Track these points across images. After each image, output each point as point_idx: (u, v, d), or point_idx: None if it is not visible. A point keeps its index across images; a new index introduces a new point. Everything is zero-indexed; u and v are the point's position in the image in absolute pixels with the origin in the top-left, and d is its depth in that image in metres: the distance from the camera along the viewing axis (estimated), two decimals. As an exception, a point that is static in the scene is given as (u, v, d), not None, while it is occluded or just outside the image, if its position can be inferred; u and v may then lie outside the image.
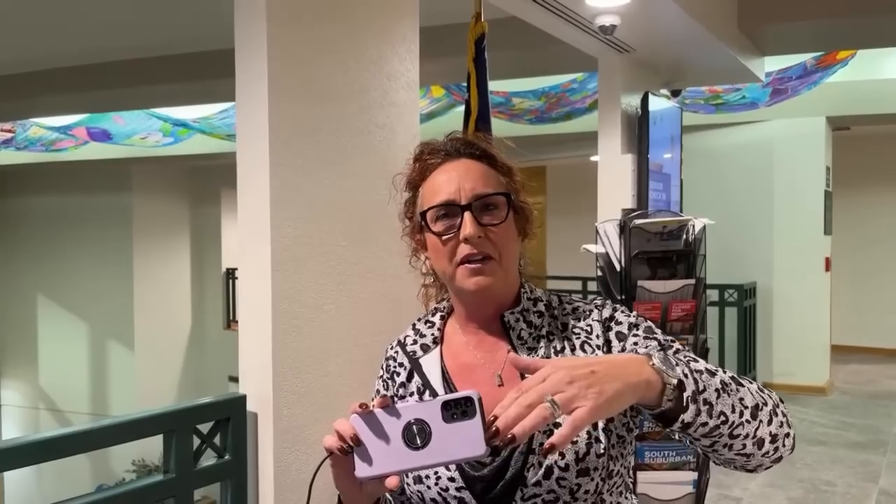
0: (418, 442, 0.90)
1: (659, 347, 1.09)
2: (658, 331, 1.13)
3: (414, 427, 0.90)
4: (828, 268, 7.43)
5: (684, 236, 3.42)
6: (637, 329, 1.12)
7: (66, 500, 1.58)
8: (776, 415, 1.01)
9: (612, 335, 1.12)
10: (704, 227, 3.48)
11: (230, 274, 10.50)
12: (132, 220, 10.47)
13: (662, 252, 3.42)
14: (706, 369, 0.98)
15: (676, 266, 3.43)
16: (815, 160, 7.27)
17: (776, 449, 1.01)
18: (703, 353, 3.56)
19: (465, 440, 0.89)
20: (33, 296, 11.29)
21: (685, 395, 0.92)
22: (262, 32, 1.88)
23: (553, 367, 0.86)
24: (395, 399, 1.16)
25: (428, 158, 1.15)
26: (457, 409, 0.89)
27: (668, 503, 3.06)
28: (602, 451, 1.05)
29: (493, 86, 4.21)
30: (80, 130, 7.90)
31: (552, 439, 0.83)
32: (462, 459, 0.93)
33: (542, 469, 1.04)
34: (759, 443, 0.99)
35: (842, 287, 8.56)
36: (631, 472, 1.14)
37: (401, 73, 2.28)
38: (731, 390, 0.97)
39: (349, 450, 0.92)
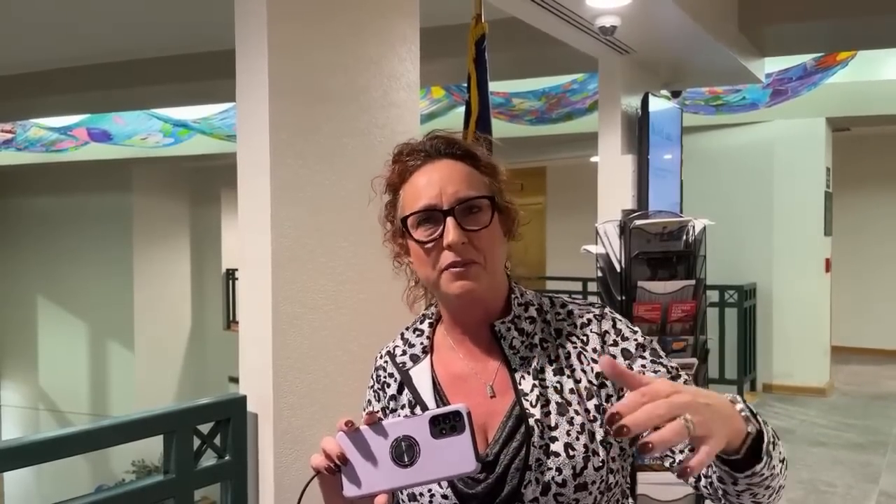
0: (406, 459, 0.88)
1: (668, 376, 1.06)
2: (663, 355, 1.10)
3: (402, 444, 0.89)
4: (828, 269, 7.43)
5: (684, 237, 3.42)
6: (644, 351, 1.08)
7: (65, 501, 1.58)
8: (787, 467, 1.01)
9: (616, 351, 1.08)
10: (704, 228, 3.48)
11: (230, 274, 10.50)
12: (132, 220, 10.46)
13: (662, 253, 3.42)
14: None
15: (676, 267, 3.43)
16: (816, 161, 7.28)
17: (771, 497, 1.00)
18: (704, 355, 3.56)
19: (455, 456, 0.87)
20: (33, 296, 11.29)
21: (763, 445, 0.91)
22: (262, 30, 1.88)
23: (674, 387, 0.83)
24: (387, 412, 1.14)
25: (407, 160, 1.09)
26: (445, 425, 0.88)
27: (668, 503, 3.06)
28: (600, 464, 1.03)
29: (494, 86, 4.21)
30: (81, 131, 7.90)
31: (692, 463, 0.80)
32: (452, 476, 0.92)
33: (540, 486, 1.01)
34: (772, 493, 0.98)
35: (842, 288, 8.56)
36: (629, 477, 1.12)
37: (401, 74, 2.28)
38: (777, 442, 0.97)
39: (336, 469, 0.91)
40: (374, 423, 0.91)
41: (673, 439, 0.79)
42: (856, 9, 4.31)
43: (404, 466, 0.89)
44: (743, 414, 0.90)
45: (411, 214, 1.06)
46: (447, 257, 1.04)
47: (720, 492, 0.98)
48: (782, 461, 0.98)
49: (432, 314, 1.18)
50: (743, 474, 0.92)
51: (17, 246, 11.33)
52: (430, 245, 1.05)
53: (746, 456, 0.90)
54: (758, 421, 0.92)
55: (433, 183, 1.06)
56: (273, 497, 1.91)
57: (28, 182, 10.94)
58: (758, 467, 0.91)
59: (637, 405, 0.80)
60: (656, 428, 0.80)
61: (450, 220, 1.04)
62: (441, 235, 1.04)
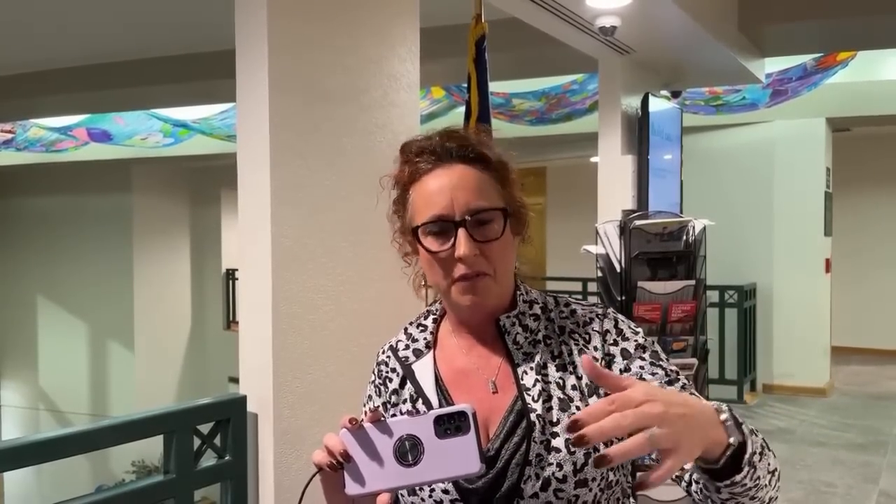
0: (410, 459, 0.88)
1: (665, 379, 1.05)
2: (664, 358, 1.09)
3: (406, 443, 0.88)
4: (828, 269, 7.43)
5: (684, 237, 3.42)
6: (644, 352, 1.08)
7: (66, 501, 1.58)
8: (778, 479, 1.00)
9: (616, 350, 1.08)
10: (704, 228, 3.48)
11: (230, 274, 10.50)
12: (132, 220, 10.47)
13: (662, 253, 3.42)
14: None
15: (676, 267, 3.43)
16: (816, 161, 7.28)
17: None
18: (704, 355, 3.56)
19: (459, 456, 0.87)
20: (33, 296, 11.29)
21: (745, 456, 0.89)
22: (262, 28, 1.88)
23: (647, 393, 0.81)
24: (388, 406, 1.14)
25: (418, 161, 1.07)
26: (450, 424, 0.88)
27: (668, 503, 3.05)
28: None
29: (494, 87, 4.21)
30: (81, 131, 7.91)
31: (651, 478, 0.79)
32: (456, 477, 0.92)
33: (540, 481, 1.01)
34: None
35: (842, 288, 8.56)
36: (629, 476, 1.11)
37: (401, 74, 2.28)
38: (765, 453, 0.95)
39: (339, 466, 0.91)
40: (378, 420, 0.90)
41: (633, 452, 0.78)
42: (856, 9, 4.31)
43: (408, 466, 0.88)
44: (727, 423, 0.88)
45: (422, 225, 1.05)
46: (458, 269, 1.04)
47: (708, 500, 0.97)
48: (772, 472, 0.96)
49: (436, 310, 1.18)
50: (722, 483, 0.90)
51: (17, 246, 11.33)
52: (441, 255, 1.04)
53: (726, 466, 0.89)
54: (742, 432, 0.90)
55: (444, 190, 1.04)
56: (273, 497, 1.91)
57: (28, 182, 10.95)
58: (738, 477, 0.89)
59: (603, 413, 0.78)
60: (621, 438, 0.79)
61: (462, 233, 1.02)
62: (452, 246, 1.03)
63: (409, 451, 0.88)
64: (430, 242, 1.05)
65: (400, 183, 1.10)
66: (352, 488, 0.91)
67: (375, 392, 1.18)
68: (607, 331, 1.09)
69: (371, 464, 0.90)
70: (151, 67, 5.73)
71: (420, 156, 1.07)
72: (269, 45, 1.87)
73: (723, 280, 6.72)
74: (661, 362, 1.08)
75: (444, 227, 1.04)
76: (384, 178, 1.12)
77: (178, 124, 7.70)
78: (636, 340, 1.09)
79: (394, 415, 1.12)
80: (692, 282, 3.37)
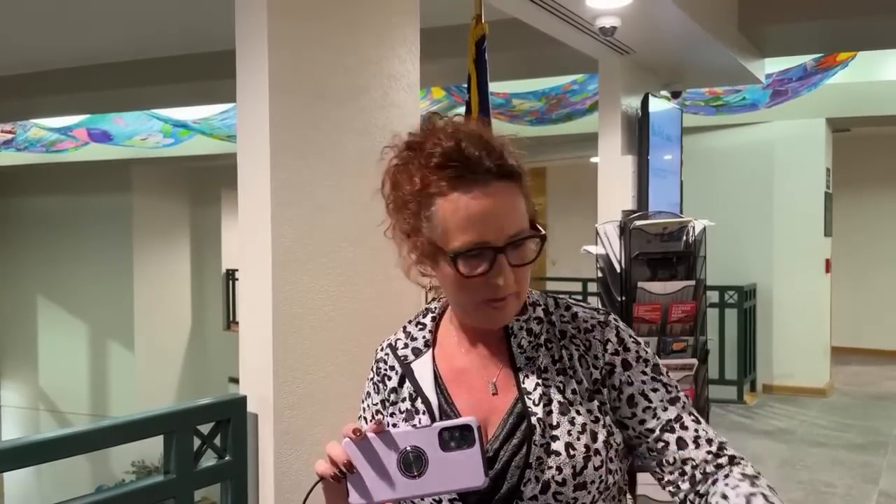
0: (414, 470, 0.89)
1: (668, 397, 1.06)
2: (664, 371, 1.09)
3: (410, 455, 0.89)
4: (828, 269, 7.43)
5: (684, 238, 3.42)
6: (646, 366, 1.08)
7: (66, 501, 1.58)
8: None
9: (617, 360, 1.07)
10: (704, 229, 3.48)
11: (230, 275, 10.50)
12: (132, 220, 10.47)
13: (662, 253, 3.42)
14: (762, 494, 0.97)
15: (676, 267, 3.43)
16: (816, 162, 7.28)
17: None
18: (704, 355, 3.56)
19: (464, 469, 0.87)
20: (33, 296, 11.30)
21: None
22: (262, 27, 1.88)
23: None
24: (386, 404, 1.14)
25: (451, 174, 1.00)
26: (454, 437, 0.88)
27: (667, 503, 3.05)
28: (599, 463, 1.03)
29: (494, 87, 4.21)
30: (81, 131, 7.91)
31: None
32: (460, 489, 0.92)
33: (539, 484, 1.01)
34: None
35: (842, 289, 8.55)
36: (626, 475, 1.12)
37: (401, 75, 2.28)
38: None
39: (342, 476, 0.91)
40: (382, 431, 0.91)
41: None
42: (856, 9, 4.31)
43: (412, 477, 0.89)
44: None
45: (463, 252, 1.00)
46: (489, 291, 1.02)
47: None
48: None
49: (435, 308, 1.17)
50: None
51: (17, 246, 11.33)
52: (474, 279, 1.02)
53: None
54: None
55: (487, 216, 1.00)
56: (273, 497, 1.91)
57: (28, 182, 10.95)
58: None
59: None
60: None
61: (503, 260, 1.00)
62: (487, 270, 1.00)
63: (413, 463, 0.89)
64: (465, 267, 1.01)
65: (419, 188, 1.03)
66: (355, 499, 0.91)
67: (374, 389, 1.18)
68: (608, 340, 1.09)
69: (375, 475, 0.90)
70: (151, 67, 5.73)
71: (448, 168, 1.00)
72: (269, 45, 1.87)
73: (723, 280, 6.72)
74: (661, 377, 1.09)
75: (482, 252, 1.01)
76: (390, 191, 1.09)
77: (178, 124, 7.70)
78: (637, 352, 1.09)
79: (392, 413, 1.12)
80: (692, 282, 3.37)
